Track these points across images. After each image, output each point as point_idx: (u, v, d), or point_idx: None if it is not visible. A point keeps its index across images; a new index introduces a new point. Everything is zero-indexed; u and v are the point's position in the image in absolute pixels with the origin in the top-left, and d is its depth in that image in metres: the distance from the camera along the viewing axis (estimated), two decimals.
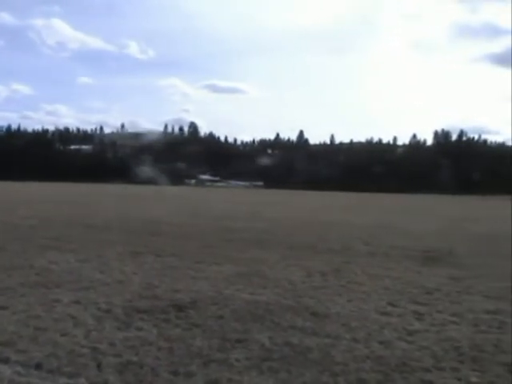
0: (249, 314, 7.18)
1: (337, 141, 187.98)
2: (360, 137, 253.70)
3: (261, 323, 6.72)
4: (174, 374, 4.94)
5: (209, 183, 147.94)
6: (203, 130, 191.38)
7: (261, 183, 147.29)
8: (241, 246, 14.36)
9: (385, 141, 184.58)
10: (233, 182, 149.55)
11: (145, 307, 7.35)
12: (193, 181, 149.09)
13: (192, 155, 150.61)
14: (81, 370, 4.98)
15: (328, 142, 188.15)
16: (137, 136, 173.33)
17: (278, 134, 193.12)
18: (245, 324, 6.65)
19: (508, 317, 7.37)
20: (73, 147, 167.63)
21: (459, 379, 4.99)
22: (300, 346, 5.82)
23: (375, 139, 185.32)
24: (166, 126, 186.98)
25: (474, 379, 4.99)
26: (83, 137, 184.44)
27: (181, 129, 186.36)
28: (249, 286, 9.11)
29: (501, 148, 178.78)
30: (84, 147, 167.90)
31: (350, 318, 7.11)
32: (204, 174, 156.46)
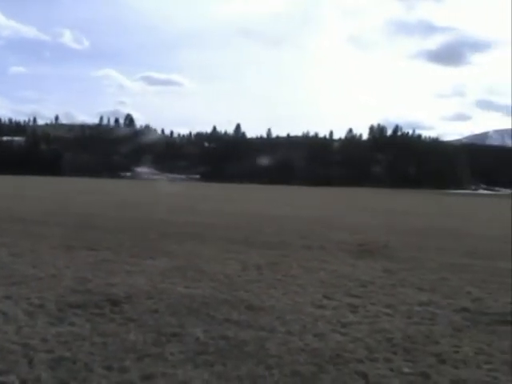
0: (184, 307, 7.21)
1: (273, 134, 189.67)
2: (297, 131, 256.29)
3: (196, 317, 6.77)
4: (107, 369, 4.93)
5: (145, 176, 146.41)
6: (139, 123, 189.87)
7: (198, 176, 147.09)
8: (177, 240, 14.33)
9: (321, 135, 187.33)
10: (169, 175, 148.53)
11: (78, 302, 7.28)
12: (128, 173, 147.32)
13: (127, 148, 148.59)
14: (11, 367, 4.91)
15: (265, 135, 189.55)
16: (71, 128, 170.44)
17: (214, 127, 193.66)
18: (180, 318, 6.68)
19: (439, 308, 7.68)
20: (5, 138, 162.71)
21: (392, 370, 5.17)
22: (235, 339, 5.90)
23: (311, 133, 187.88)
24: (101, 118, 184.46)
25: (406, 369, 5.18)
26: (16, 128, 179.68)
27: (116, 121, 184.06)
28: (184, 279, 9.14)
29: (434, 143, 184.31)
30: (16, 139, 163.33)
31: (285, 311, 7.23)
32: (140, 166, 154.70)
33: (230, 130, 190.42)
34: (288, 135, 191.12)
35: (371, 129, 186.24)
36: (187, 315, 6.83)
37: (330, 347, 5.74)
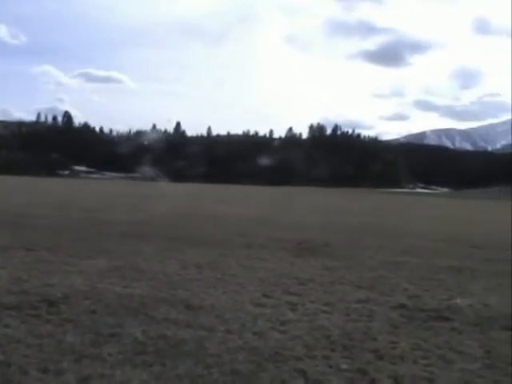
0: (122, 307, 7.14)
1: (214, 133, 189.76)
2: (237, 129, 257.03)
3: (135, 317, 6.71)
4: (43, 372, 4.84)
5: (83, 174, 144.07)
6: (78, 120, 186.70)
7: (137, 175, 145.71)
8: (116, 239, 14.19)
9: (261, 133, 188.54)
10: (108, 174, 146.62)
11: (13, 303, 7.09)
12: (66, 172, 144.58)
13: (65, 146, 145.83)
14: None
15: (205, 134, 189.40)
16: (7, 125, 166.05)
17: (154, 125, 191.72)
18: (118, 318, 6.61)
19: (377, 305, 7.86)
20: None
21: (330, 366, 5.25)
22: (174, 338, 5.88)
23: (252, 132, 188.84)
24: (38, 115, 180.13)
25: (344, 366, 5.28)
26: None
27: (54, 118, 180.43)
28: (123, 279, 9.04)
29: (373, 142, 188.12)
30: None
31: (225, 309, 7.25)
32: (78, 165, 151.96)
33: (170, 128, 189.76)
34: (228, 134, 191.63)
35: (311, 128, 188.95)
36: (125, 315, 6.77)
37: (270, 345, 5.79)
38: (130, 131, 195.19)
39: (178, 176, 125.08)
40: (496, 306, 8.13)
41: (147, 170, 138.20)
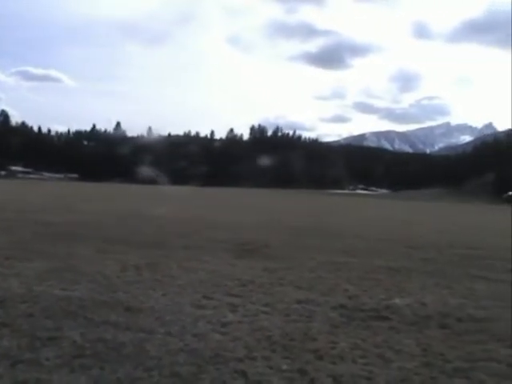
0: (61, 310, 7.03)
1: (155, 133, 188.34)
2: (178, 130, 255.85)
3: (73, 320, 6.62)
4: None
5: (20, 175, 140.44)
6: (15, 119, 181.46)
7: (76, 175, 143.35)
8: (54, 241, 13.87)
9: (202, 134, 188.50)
10: (46, 174, 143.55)
11: None
12: (3, 172, 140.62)
13: (1, 145, 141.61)
14: None
15: (145, 134, 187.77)
16: None
17: (94, 126, 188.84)
18: (56, 321, 6.50)
19: (317, 306, 7.98)
20: None
21: (271, 367, 5.31)
22: (113, 341, 5.84)
23: (193, 132, 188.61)
24: None
25: (284, 367, 5.35)
26: None
27: None
28: (61, 281, 8.88)
29: (314, 144, 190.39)
30: None
31: (165, 311, 7.23)
32: (16, 165, 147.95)
33: (110, 128, 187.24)
34: (169, 134, 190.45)
35: (252, 129, 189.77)
36: (64, 318, 6.66)
37: (210, 347, 5.81)
38: (69, 131, 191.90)
39: (118, 177, 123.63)
40: (432, 304, 8.37)
41: (86, 170, 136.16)
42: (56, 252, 12.08)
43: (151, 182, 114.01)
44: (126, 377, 4.90)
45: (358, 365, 5.49)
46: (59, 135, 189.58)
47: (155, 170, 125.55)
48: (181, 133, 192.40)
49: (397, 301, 8.52)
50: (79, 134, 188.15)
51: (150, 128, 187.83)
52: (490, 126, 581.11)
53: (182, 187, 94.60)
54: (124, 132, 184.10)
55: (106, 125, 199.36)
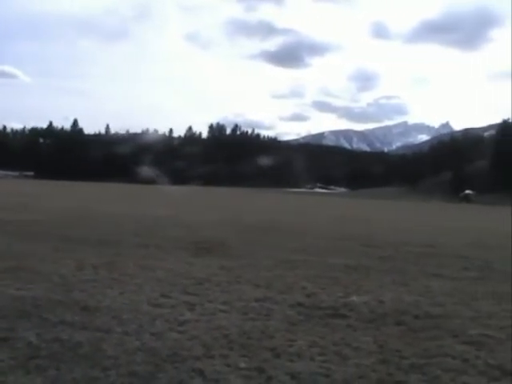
0: (15, 310, 6.92)
1: (112, 131, 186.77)
2: (136, 128, 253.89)
3: (28, 320, 6.53)
4: None
5: None
6: None
7: (31, 173, 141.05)
8: (7, 240, 13.64)
9: (161, 132, 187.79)
10: (1, 172, 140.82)
11: None
12: None
13: None
14: None
15: (103, 132, 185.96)
16: None
17: (50, 123, 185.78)
18: (11, 322, 6.40)
19: (275, 304, 8.02)
20: None
21: (228, 365, 5.33)
22: (70, 341, 5.78)
23: (151, 130, 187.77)
24: None
25: (242, 365, 5.37)
26: None
27: None
28: (16, 281, 8.75)
29: (273, 142, 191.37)
30: None
31: (122, 310, 7.19)
32: None
33: (67, 125, 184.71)
34: (127, 132, 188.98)
35: (211, 127, 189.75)
36: (18, 318, 6.56)
37: (168, 346, 5.80)
38: (24, 128, 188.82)
39: (74, 175, 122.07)
40: (389, 302, 8.50)
41: (42, 168, 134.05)
42: (10, 251, 11.91)
43: (109, 179, 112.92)
44: (82, 377, 4.86)
45: (315, 362, 5.54)
46: (15, 132, 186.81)
47: (113, 168, 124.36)
48: (139, 130, 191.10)
49: (354, 299, 8.62)
50: (35, 132, 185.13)
51: (107, 125, 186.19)
52: (446, 125, 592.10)
53: (140, 185, 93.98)
54: (81, 129, 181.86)
55: (62, 122, 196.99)
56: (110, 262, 10.99)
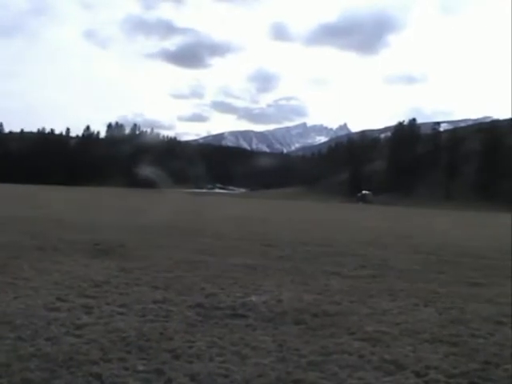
0: None
1: (6, 130, 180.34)
2: (31, 127, 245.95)
3: None
4: None
5: None
6: None
7: None
8: None
9: (57, 131, 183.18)
10: None
11: None
12: None
13: None
14: None
15: None
16: None
17: None
18: None
19: (173, 305, 8.02)
20: None
21: (126, 369, 5.29)
22: None
23: (47, 129, 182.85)
24: None
25: (140, 367, 5.35)
26: None
27: None
28: None
29: (172, 142, 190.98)
30: None
31: (16, 315, 6.97)
32: None
33: None
34: (22, 131, 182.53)
35: (109, 127, 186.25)
36: None
37: (63, 351, 5.69)
38: None
39: None
40: (288, 301, 8.67)
41: None
42: None
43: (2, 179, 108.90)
44: None
45: (214, 363, 5.59)
46: None
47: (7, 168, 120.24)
48: (34, 129, 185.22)
49: (253, 298, 8.74)
50: None
51: (1, 124, 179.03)
52: (344, 127, 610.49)
53: (34, 186, 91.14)
54: None
55: None
56: (3, 266, 10.64)
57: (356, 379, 5.37)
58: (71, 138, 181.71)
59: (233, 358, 5.78)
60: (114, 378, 5.07)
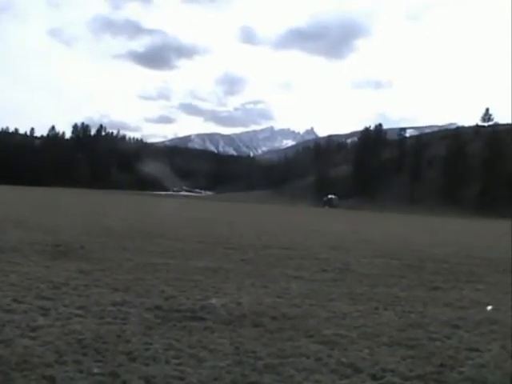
0: None
1: None
2: None
3: None
4: None
5: None
6: None
7: None
8: None
9: (22, 131, 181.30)
10: None
11: None
12: None
13: None
14: None
15: None
16: None
17: None
18: None
19: (132, 308, 7.98)
20: None
21: (81, 371, 5.26)
22: None
23: (11, 129, 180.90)
24: None
25: (96, 370, 5.32)
26: None
27: None
28: None
29: (138, 144, 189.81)
30: None
31: None
32: None
33: None
34: None
35: (75, 127, 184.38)
36: None
37: (17, 353, 5.62)
38: None
39: None
40: (247, 304, 8.71)
41: None
42: None
43: None
44: None
45: (171, 365, 5.60)
46: None
47: None
48: None
49: (213, 301, 8.76)
50: None
51: None
52: (311, 131, 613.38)
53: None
54: None
55: None
56: None
57: (312, 382, 5.43)
58: (36, 138, 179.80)
59: (189, 360, 5.79)
60: (68, 380, 5.04)
